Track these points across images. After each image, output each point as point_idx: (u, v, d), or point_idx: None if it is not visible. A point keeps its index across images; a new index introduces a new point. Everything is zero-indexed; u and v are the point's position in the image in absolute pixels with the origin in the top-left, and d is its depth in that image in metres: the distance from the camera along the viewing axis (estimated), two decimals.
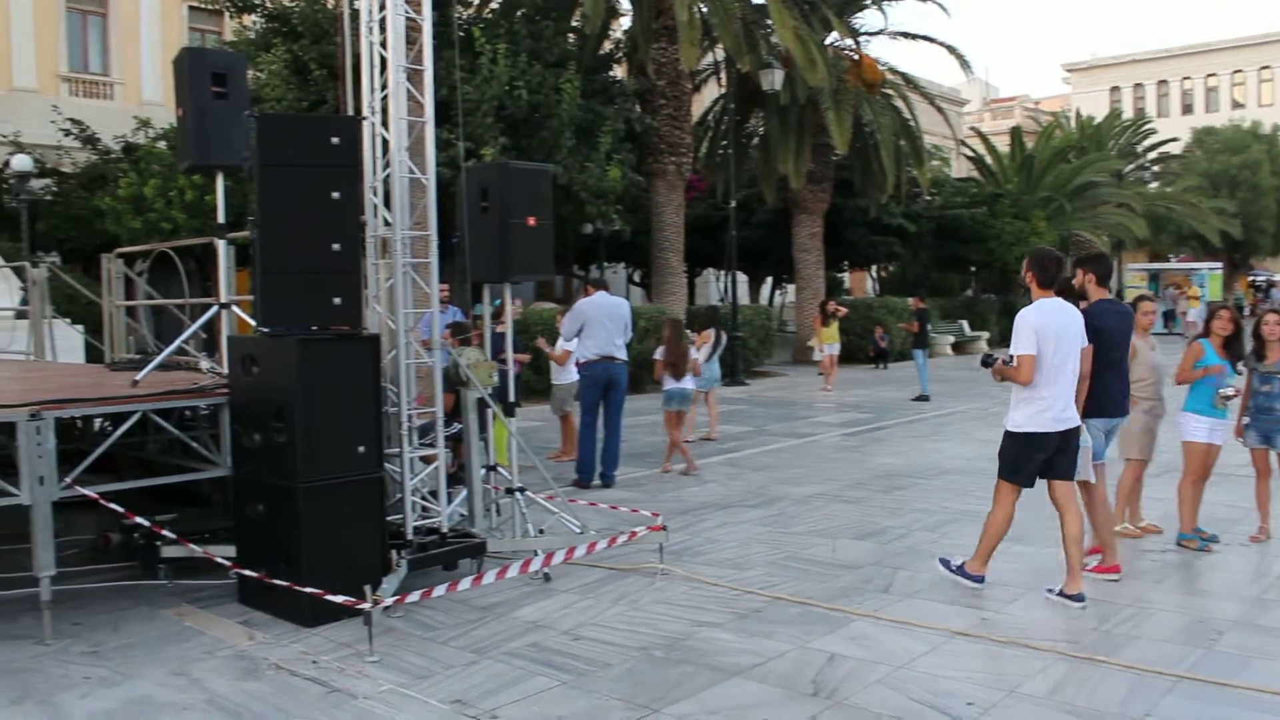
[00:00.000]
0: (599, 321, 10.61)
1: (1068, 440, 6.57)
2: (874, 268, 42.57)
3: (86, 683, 5.45)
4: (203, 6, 23.06)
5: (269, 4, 20.02)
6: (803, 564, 7.55)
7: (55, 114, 23.08)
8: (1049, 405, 6.45)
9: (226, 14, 22.20)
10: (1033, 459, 6.57)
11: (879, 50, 40.72)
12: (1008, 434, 6.66)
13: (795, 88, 24.64)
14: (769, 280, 39.81)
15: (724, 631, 6.08)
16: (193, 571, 7.05)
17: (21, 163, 20.15)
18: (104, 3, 28.89)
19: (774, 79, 23.47)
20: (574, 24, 22.50)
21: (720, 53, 26.40)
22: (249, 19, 21.07)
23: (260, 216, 6.23)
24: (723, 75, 27.61)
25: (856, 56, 27.34)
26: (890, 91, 28.66)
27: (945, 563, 7.03)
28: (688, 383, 11.76)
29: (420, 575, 6.81)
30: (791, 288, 34.73)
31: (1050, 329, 6.43)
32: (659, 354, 11.95)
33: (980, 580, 6.84)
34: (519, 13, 20.54)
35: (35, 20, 27.28)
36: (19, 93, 26.52)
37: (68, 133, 22.79)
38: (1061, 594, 6.52)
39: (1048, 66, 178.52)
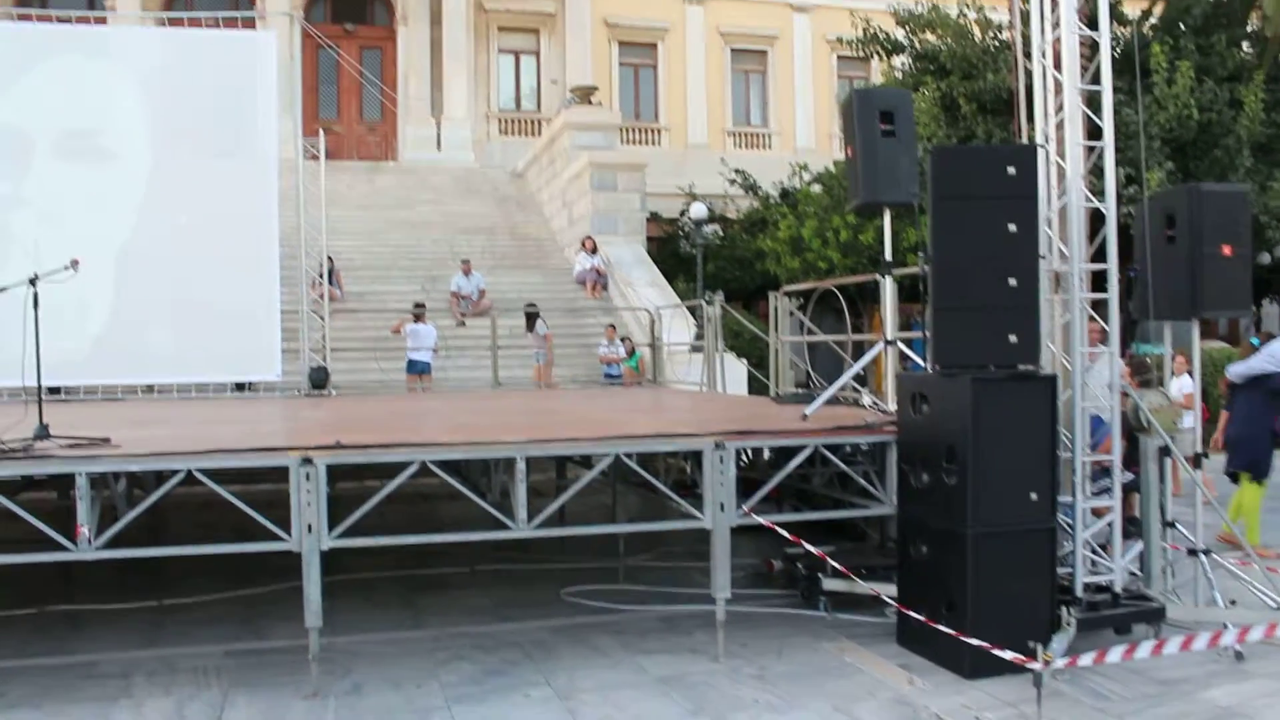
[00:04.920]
0: None
1: None
2: None
3: (755, 706, 5.65)
4: (851, 55, 24.06)
5: (917, 45, 20.34)
6: None
7: (722, 165, 25.54)
8: None
9: (874, 58, 22.95)
10: None
11: None
12: None
13: None
14: None
15: None
16: (849, 606, 7.15)
17: (698, 211, 22.38)
18: (763, 61, 31.55)
19: None
20: (1248, 29, 20.15)
21: None
22: (896, 60, 21.59)
23: (934, 251, 6.18)
24: None
25: None
26: None
27: None
28: None
29: (1087, 636, 6.28)
30: None
31: None
32: None
33: None
34: (1182, 25, 18.87)
35: (707, 85, 30.71)
36: (693, 148, 29.98)
37: (733, 182, 25.21)
38: None
39: None
